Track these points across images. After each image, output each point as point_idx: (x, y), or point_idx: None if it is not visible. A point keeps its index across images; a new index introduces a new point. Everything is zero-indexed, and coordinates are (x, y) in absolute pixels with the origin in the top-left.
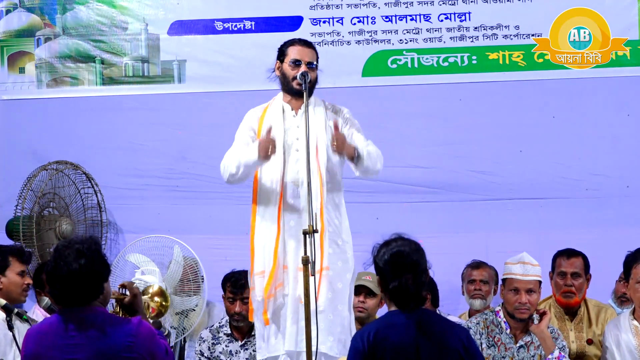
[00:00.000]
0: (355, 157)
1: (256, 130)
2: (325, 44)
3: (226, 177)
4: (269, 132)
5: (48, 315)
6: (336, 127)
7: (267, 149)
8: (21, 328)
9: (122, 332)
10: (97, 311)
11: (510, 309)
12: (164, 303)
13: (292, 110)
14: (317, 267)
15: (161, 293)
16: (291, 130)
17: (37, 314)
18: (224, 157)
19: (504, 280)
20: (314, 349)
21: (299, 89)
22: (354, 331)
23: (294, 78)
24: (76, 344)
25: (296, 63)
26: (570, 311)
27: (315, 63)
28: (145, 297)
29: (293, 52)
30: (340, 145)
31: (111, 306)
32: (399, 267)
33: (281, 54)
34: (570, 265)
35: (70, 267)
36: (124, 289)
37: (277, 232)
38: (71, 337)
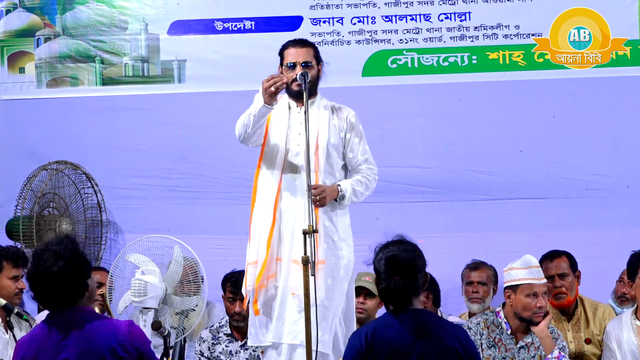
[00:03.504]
0: (338, 197)
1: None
2: (325, 44)
3: (238, 132)
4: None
5: None
6: (312, 187)
7: (270, 91)
8: (22, 328)
9: (111, 334)
10: (84, 311)
11: (527, 314)
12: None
13: (297, 107)
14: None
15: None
16: (294, 126)
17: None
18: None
19: (514, 286)
20: (313, 347)
21: (297, 89)
22: (352, 328)
23: (293, 81)
24: (63, 346)
25: (291, 66)
26: (567, 312)
27: (311, 62)
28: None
29: (288, 56)
30: (321, 200)
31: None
32: (391, 271)
33: (280, 57)
34: (555, 267)
35: (50, 270)
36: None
37: (272, 223)
38: (57, 342)
